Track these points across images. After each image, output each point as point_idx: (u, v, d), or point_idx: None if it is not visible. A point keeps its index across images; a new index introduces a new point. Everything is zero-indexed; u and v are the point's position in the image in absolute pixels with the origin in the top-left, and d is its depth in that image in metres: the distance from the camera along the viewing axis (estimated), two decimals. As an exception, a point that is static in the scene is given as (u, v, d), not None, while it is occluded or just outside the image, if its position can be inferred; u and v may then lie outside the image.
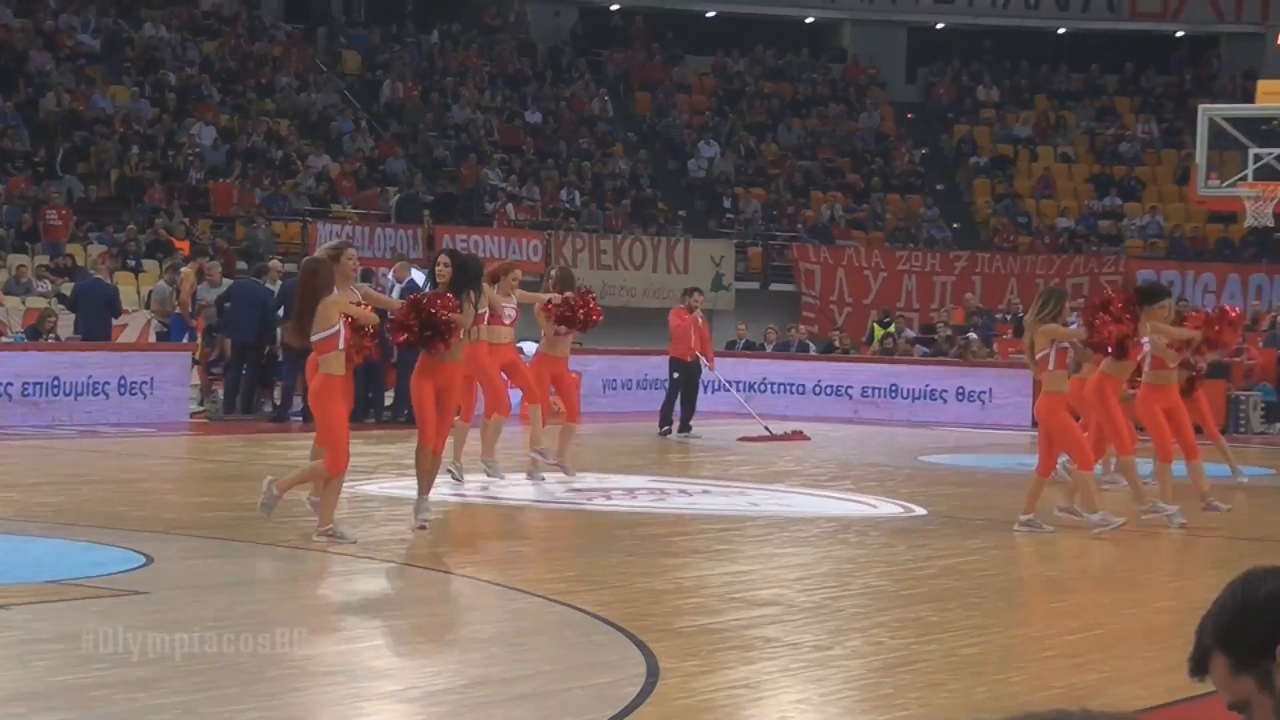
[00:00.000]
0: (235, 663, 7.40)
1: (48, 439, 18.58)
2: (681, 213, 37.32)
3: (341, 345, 10.82)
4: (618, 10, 42.33)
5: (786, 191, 38.33)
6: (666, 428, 21.68)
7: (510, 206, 34.44)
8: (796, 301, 34.45)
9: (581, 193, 36.21)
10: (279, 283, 22.33)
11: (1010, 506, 15.13)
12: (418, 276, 22.83)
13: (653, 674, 7.37)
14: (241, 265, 25.50)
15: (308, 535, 11.46)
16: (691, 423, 21.77)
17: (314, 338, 10.85)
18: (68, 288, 25.47)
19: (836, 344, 30.00)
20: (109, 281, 22.72)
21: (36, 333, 21.62)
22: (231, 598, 9.18)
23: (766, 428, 21.54)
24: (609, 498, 14.03)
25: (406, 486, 14.84)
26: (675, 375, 21.77)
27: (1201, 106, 25.32)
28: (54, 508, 12.76)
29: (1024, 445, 23.57)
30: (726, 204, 37.62)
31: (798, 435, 21.69)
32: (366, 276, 23.09)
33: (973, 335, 28.93)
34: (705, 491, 14.82)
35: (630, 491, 14.51)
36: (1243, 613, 2.96)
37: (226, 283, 22.52)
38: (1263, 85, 23.75)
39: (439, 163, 35.91)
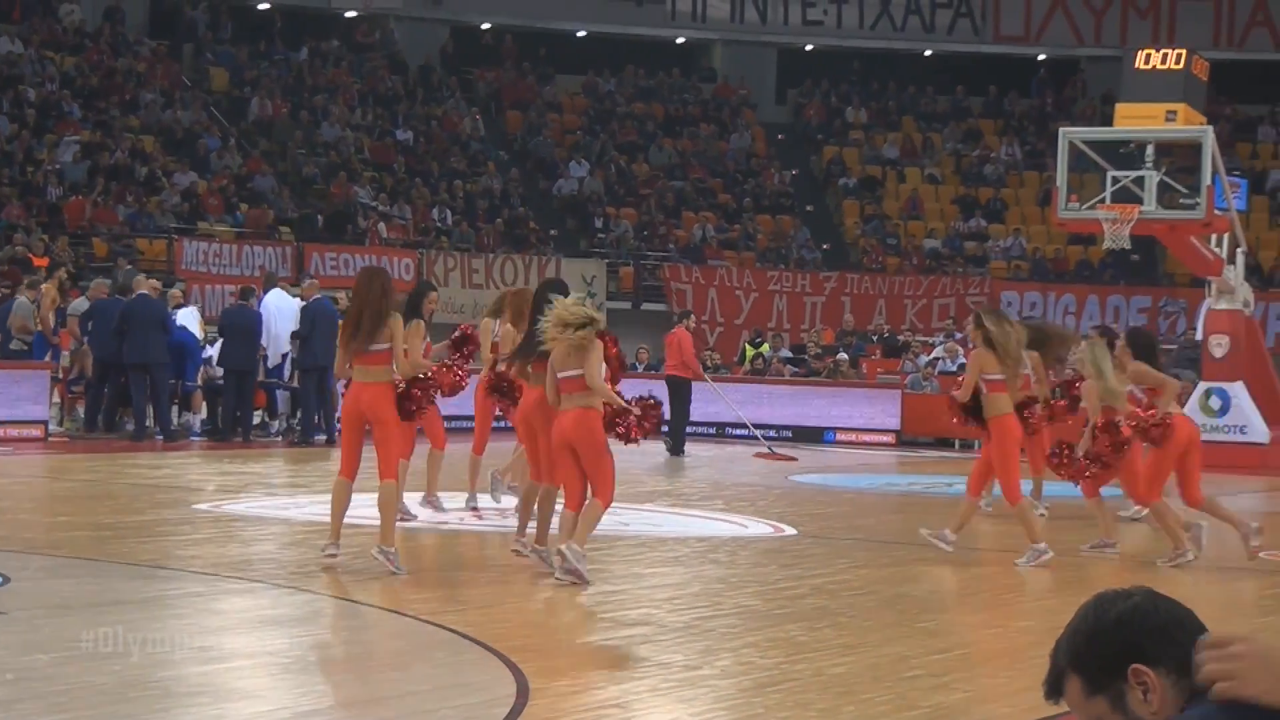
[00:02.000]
0: (96, 684, 7.27)
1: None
2: (553, 232, 37.34)
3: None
4: (489, 29, 42.27)
5: (658, 211, 38.47)
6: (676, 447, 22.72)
7: (382, 225, 34.26)
8: (668, 321, 34.53)
9: (453, 211, 36.11)
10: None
11: (878, 527, 15.27)
12: (275, 297, 22.63)
13: (522, 694, 7.34)
14: (101, 280, 25.04)
15: (171, 555, 11.30)
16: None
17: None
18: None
19: (708, 363, 30.13)
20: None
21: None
22: (92, 618, 9.01)
23: (770, 447, 22.46)
24: (480, 517, 13.97)
25: (274, 506, 14.69)
26: (678, 394, 22.69)
27: (1061, 129, 25.71)
28: (-92, 529, 12.47)
29: (892, 465, 23.83)
30: (598, 223, 37.68)
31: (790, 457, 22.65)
32: (246, 295, 22.83)
33: (843, 356, 29.20)
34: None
35: (500, 512, 14.44)
36: (1095, 635, 3.01)
37: (83, 301, 22.19)
38: (1121, 108, 24.12)
39: (308, 180, 35.64)
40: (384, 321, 10.68)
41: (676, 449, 22.66)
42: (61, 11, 36.45)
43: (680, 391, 22.81)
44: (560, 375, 10.63)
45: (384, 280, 11.09)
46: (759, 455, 22.61)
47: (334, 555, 10.83)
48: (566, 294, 11.00)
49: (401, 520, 13.02)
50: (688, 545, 13.43)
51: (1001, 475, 12.42)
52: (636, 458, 20.83)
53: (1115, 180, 23.43)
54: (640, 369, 28.41)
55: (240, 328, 21.95)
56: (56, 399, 22.09)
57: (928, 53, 43.58)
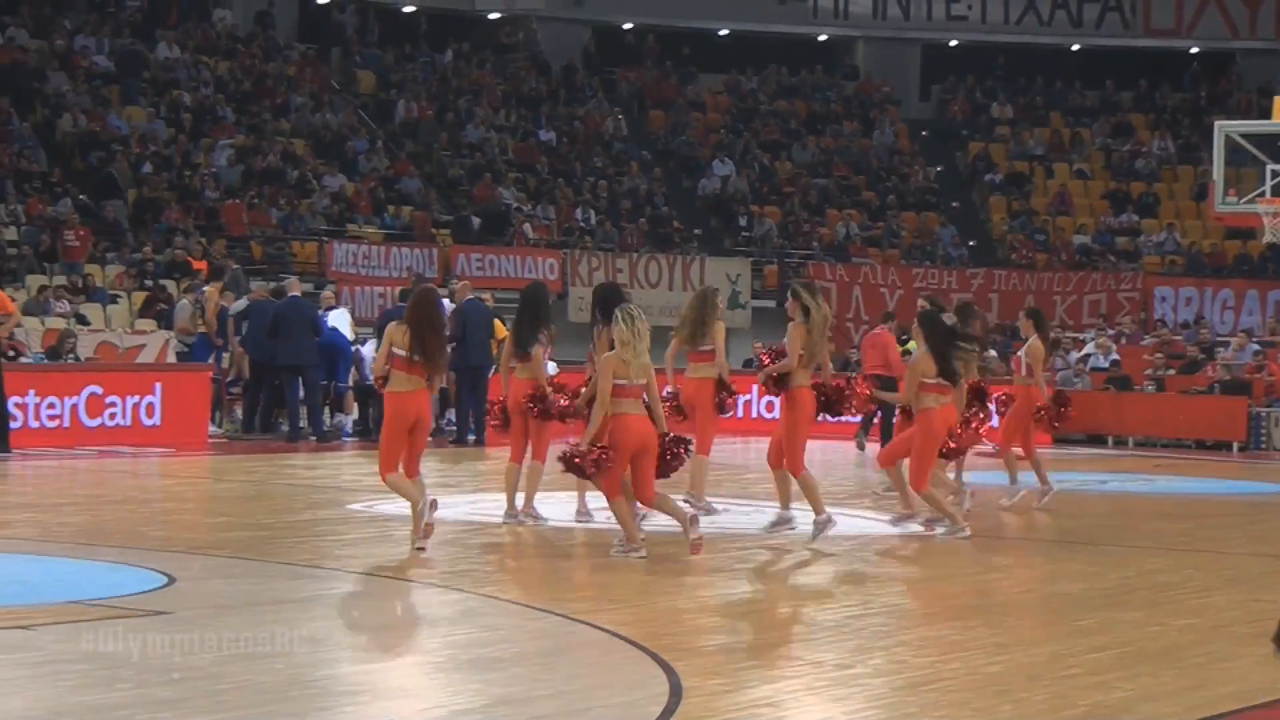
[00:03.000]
0: (258, 682, 7.40)
1: (68, 459, 18.62)
2: (696, 231, 37.35)
3: None
4: (631, 29, 42.41)
5: (802, 209, 38.35)
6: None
7: (528, 226, 34.49)
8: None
9: (597, 211, 36.25)
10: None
11: (1029, 525, 15.14)
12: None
13: (675, 693, 7.36)
14: (261, 283, 25.48)
15: (328, 554, 11.48)
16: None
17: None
18: (87, 308, 25.54)
19: (853, 361, 29.98)
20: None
21: (56, 353, 21.67)
22: (253, 617, 9.18)
23: (994, 447, 22.63)
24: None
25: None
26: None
27: (1218, 123, 25.24)
28: (76, 528, 12.78)
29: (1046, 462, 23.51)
30: (741, 222, 37.65)
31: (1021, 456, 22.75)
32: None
33: (992, 353, 28.91)
34: (726, 510, 14.79)
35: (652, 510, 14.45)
36: None
37: (242, 302, 22.53)
38: (1280, 101, 23.67)
39: (454, 182, 35.96)
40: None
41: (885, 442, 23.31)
42: (215, 16, 37.14)
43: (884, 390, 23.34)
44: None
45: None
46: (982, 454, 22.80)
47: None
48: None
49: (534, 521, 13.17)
50: (837, 543, 13.36)
51: (788, 445, 12.65)
52: (827, 454, 20.83)
53: (1275, 173, 22.98)
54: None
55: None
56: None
57: (1075, 47, 43.03)
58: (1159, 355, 28.56)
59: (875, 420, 23.34)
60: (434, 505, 11.46)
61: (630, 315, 11.47)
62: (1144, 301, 34.55)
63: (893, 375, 23.21)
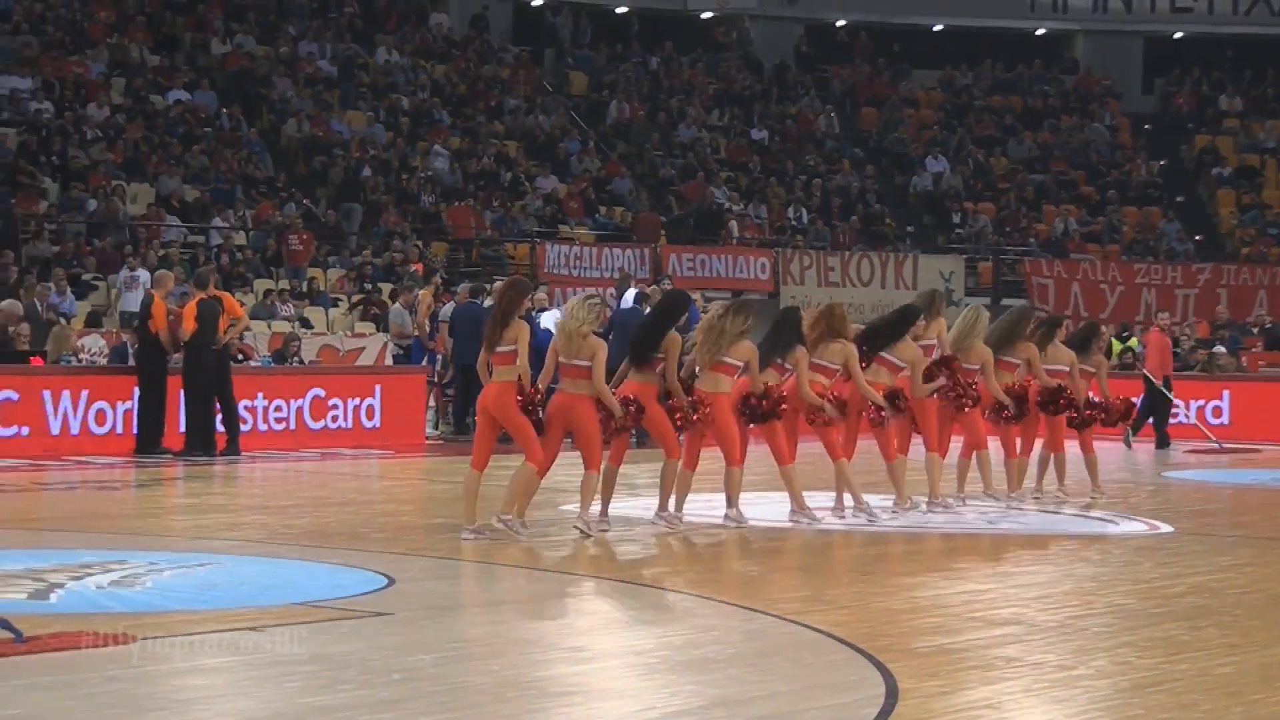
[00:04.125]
0: (475, 683, 7.47)
1: (293, 462, 19.06)
2: (909, 228, 37.00)
3: None
4: (843, 26, 42.17)
5: (1018, 205, 37.77)
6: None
7: (734, 224, 34.48)
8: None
9: (809, 209, 36.10)
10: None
11: (1264, 524, 14.71)
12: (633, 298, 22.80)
13: (892, 695, 7.28)
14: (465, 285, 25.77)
15: (541, 556, 11.58)
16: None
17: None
18: (310, 312, 26.12)
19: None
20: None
21: (282, 356, 22.20)
22: (470, 618, 9.28)
23: (1219, 443, 22.35)
24: (843, 516, 13.90)
25: (636, 506, 14.89)
26: (1152, 391, 23.37)
27: None
28: (300, 529, 13.07)
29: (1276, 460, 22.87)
30: (955, 219, 37.19)
31: (1250, 450, 22.67)
32: (640, 299, 23.01)
33: (1221, 349, 28.18)
34: (963, 507, 14.62)
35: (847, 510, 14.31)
36: None
37: (449, 306, 22.79)
38: None
39: (666, 182, 36.08)
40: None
41: (1162, 441, 23.40)
42: (431, 20, 37.77)
43: (1154, 389, 23.38)
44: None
45: None
46: (1194, 452, 22.38)
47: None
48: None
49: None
50: (1056, 543, 13.13)
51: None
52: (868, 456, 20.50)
53: None
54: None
55: (626, 329, 22.12)
56: (432, 403, 22.80)
57: (1310, 37, 41.90)
58: (1404, 350, 27.66)
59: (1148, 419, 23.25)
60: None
61: (570, 301, 12.27)
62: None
63: (1166, 372, 23.31)
